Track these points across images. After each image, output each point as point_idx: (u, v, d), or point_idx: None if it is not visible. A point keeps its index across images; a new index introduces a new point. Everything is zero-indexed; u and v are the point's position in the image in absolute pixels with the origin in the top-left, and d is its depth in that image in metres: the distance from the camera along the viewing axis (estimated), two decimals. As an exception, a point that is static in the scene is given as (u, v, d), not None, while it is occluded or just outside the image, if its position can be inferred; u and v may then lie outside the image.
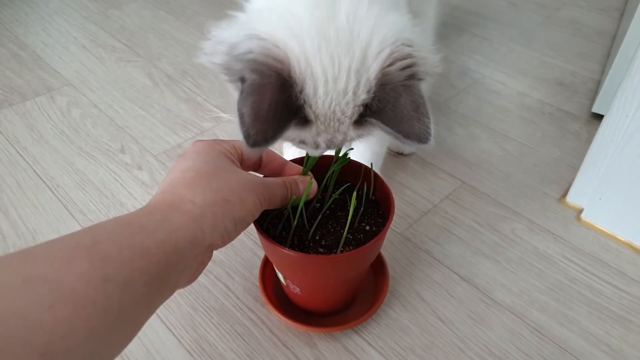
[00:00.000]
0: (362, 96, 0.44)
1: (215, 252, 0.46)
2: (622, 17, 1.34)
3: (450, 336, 0.63)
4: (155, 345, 0.61)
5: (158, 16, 1.35)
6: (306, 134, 0.46)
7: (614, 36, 1.28)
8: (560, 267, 0.71)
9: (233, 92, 0.45)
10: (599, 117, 0.96)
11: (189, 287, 0.67)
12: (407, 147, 0.45)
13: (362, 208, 0.59)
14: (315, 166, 0.58)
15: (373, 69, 0.43)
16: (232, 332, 0.63)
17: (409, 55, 0.43)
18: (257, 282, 0.66)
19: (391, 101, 0.43)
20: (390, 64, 0.43)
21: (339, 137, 0.47)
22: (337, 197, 0.59)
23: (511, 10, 1.44)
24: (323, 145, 0.48)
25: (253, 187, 0.46)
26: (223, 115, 0.99)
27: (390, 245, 0.74)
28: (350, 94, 0.43)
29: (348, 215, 0.56)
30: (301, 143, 0.48)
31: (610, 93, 0.90)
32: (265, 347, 0.61)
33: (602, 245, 0.75)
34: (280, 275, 0.60)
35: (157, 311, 0.64)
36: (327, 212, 0.58)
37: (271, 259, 0.59)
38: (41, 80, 1.08)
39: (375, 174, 0.59)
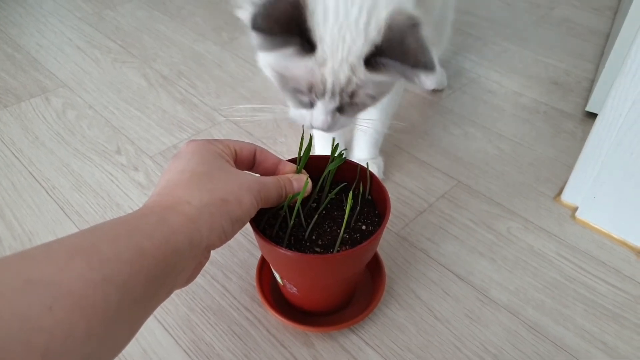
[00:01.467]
0: (373, 33, 0.49)
1: (212, 253, 0.46)
2: (616, 16, 1.35)
3: (446, 334, 0.63)
4: (152, 346, 0.61)
5: (153, 17, 1.35)
6: (312, 63, 0.49)
7: (608, 35, 1.29)
8: (555, 265, 0.72)
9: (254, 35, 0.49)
10: (593, 116, 0.97)
11: (185, 287, 0.67)
12: (416, 83, 0.49)
13: (358, 208, 0.59)
14: (311, 166, 0.58)
15: (383, 13, 0.49)
16: (229, 332, 0.63)
17: (413, 14, 0.49)
18: (254, 282, 0.66)
19: (398, 40, 0.48)
20: (398, 14, 0.49)
21: (346, 69, 0.50)
22: (333, 196, 0.59)
23: (506, 9, 1.44)
24: (329, 82, 0.50)
25: (249, 185, 0.46)
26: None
27: (386, 245, 0.74)
28: (361, 26, 0.48)
29: (344, 215, 0.56)
30: (310, 90, 0.51)
31: (604, 92, 0.91)
32: (262, 347, 0.61)
33: (597, 244, 0.75)
34: (277, 275, 0.60)
35: (154, 312, 0.64)
36: (324, 212, 0.58)
37: (268, 259, 0.59)
38: (36, 81, 1.08)
39: (371, 174, 0.60)
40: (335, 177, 0.61)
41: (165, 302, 0.64)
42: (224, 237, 0.44)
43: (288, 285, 0.60)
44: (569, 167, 0.81)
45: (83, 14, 1.35)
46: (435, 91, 1.08)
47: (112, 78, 1.10)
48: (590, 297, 0.68)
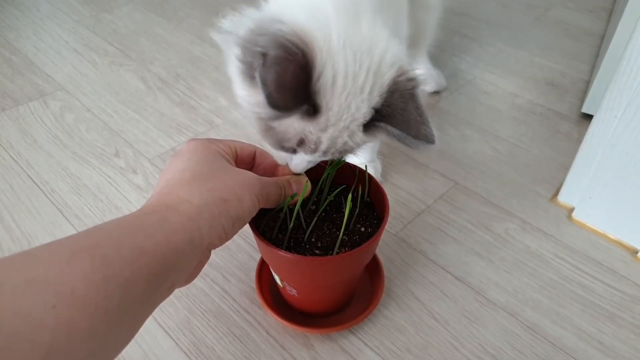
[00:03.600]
0: (376, 98, 0.47)
1: (211, 256, 0.46)
2: (610, 17, 1.36)
3: (445, 335, 0.64)
4: (153, 349, 0.61)
5: (150, 19, 1.35)
6: (312, 126, 0.47)
7: (603, 37, 1.30)
8: (552, 266, 0.72)
9: (236, 70, 0.47)
10: (588, 117, 0.97)
11: (185, 290, 0.68)
12: (413, 148, 0.47)
13: (357, 210, 0.59)
14: (310, 169, 0.58)
15: (387, 76, 0.47)
16: (230, 334, 0.63)
17: (414, 73, 0.48)
18: (254, 285, 0.67)
19: (400, 106, 0.47)
20: (400, 75, 0.47)
21: (345, 136, 0.48)
22: (332, 199, 0.60)
23: (501, 11, 1.45)
24: (324, 144, 0.48)
25: (250, 184, 0.47)
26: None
27: (385, 246, 0.74)
28: (366, 93, 0.46)
29: (343, 217, 0.56)
30: (299, 145, 0.48)
31: (599, 93, 0.91)
32: (262, 348, 0.62)
33: (593, 244, 0.76)
34: (276, 277, 0.61)
35: (155, 315, 0.65)
36: (323, 214, 0.59)
37: (268, 261, 0.59)
38: (34, 85, 1.08)
39: (370, 176, 0.60)
40: (334, 179, 0.61)
41: (165, 305, 0.65)
42: (225, 236, 0.44)
43: (288, 287, 0.60)
44: (566, 168, 0.81)
45: (80, 17, 1.35)
46: (435, 93, 1.08)
47: (109, 81, 1.10)
48: (587, 297, 0.68)
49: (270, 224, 0.57)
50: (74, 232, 0.76)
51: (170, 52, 1.21)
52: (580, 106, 1.03)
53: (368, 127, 0.48)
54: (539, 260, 0.73)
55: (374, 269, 0.68)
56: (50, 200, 0.81)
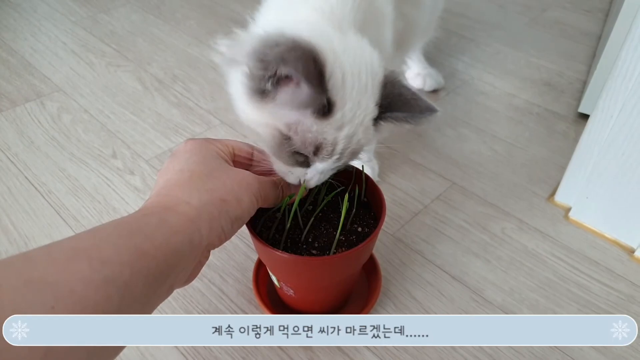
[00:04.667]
0: (377, 94, 0.50)
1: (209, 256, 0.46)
2: (607, 18, 1.36)
3: (442, 335, 0.64)
4: (149, 349, 0.61)
5: (147, 20, 1.35)
6: (328, 126, 0.48)
7: (599, 37, 1.30)
8: (549, 265, 0.73)
9: (241, 88, 0.49)
10: (585, 117, 0.97)
11: (182, 290, 0.68)
12: (422, 123, 0.52)
13: (354, 210, 0.60)
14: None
15: (379, 74, 0.51)
16: (227, 334, 0.63)
17: (394, 69, 0.53)
18: (251, 285, 0.67)
19: (396, 94, 0.51)
20: (389, 73, 0.52)
21: (360, 132, 0.50)
22: (329, 199, 0.60)
23: (498, 12, 1.45)
24: (341, 145, 0.49)
25: (248, 185, 0.47)
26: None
27: (382, 246, 0.74)
28: (369, 90, 0.50)
29: (340, 217, 0.56)
30: (316, 151, 0.49)
31: (596, 93, 0.91)
32: (259, 349, 0.62)
33: (590, 243, 0.76)
34: (273, 278, 0.61)
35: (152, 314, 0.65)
36: (320, 214, 0.59)
37: (265, 261, 0.59)
38: (31, 86, 1.08)
39: (366, 176, 0.60)
40: (331, 180, 0.61)
41: (162, 306, 0.65)
42: (224, 236, 0.44)
43: (285, 287, 0.60)
44: (562, 168, 0.82)
45: (77, 18, 1.35)
46: (433, 92, 1.09)
47: (107, 82, 1.10)
48: (583, 297, 0.69)
49: (267, 224, 0.57)
50: (72, 233, 0.76)
51: (168, 53, 1.21)
52: (577, 106, 1.04)
53: (375, 122, 0.52)
54: (535, 260, 0.73)
55: (371, 269, 0.68)
56: (47, 201, 0.81)
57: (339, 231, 0.55)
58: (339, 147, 0.49)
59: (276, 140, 0.50)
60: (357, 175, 0.61)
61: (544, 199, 0.84)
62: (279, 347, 0.62)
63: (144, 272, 0.36)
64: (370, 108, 0.50)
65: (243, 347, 0.62)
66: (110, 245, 0.36)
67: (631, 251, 0.75)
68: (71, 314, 0.31)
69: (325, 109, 0.47)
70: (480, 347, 0.62)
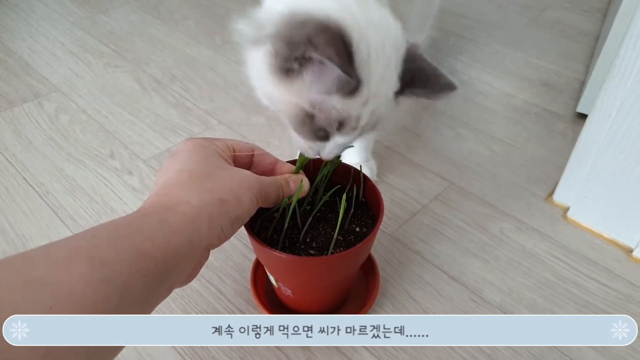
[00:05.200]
0: (399, 68, 0.51)
1: (207, 256, 0.46)
2: (605, 17, 1.36)
3: (440, 335, 0.63)
4: (147, 349, 0.61)
5: (146, 21, 1.35)
6: (354, 103, 0.49)
7: (598, 37, 1.30)
8: (547, 265, 0.73)
9: (265, 68, 0.49)
10: (583, 117, 0.97)
11: (180, 291, 0.68)
12: (440, 99, 0.53)
13: (352, 210, 0.59)
14: (307, 169, 0.58)
15: (402, 48, 0.51)
16: (225, 335, 0.63)
17: (417, 42, 0.53)
18: (249, 285, 0.67)
19: (417, 69, 0.52)
20: (410, 46, 0.52)
21: (382, 106, 0.51)
22: (327, 199, 0.60)
23: (497, 12, 1.45)
24: (364, 119, 0.50)
25: (248, 184, 0.46)
26: None
27: (380, 246, 0.74)
28: (393, 64, 0.50)
29: (338, 217, 0.56)
30: (339, 127, 0.50)
31: (594, 93, 0.91)
32: (257, 349, 0.62)
33: (588, 243, 0.76)
34: (271, 278, 0.61)
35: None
36: (318, 214, 0.59)
37: (262, 261, 0.59)
38: (29, 86, 1.08)
39: (365, 176, 0.60)
40: (329, 180, 0.61)
41: (160, 307, 0.64)
42: (224, 236, 0.44)
43: (283, 288, 0.60)
44: (560, 168, 0.82)
45: (75, 18, 1.35)
46: None
47: (105, 82, 1.10)
48: (582, 297, 0.69)
49: (265, 225, 0.57)
50: (70, 233, 0.75)
51: (166, 53, 1.21)
52: (576, 106, 1.04)
53: (395, 95, 0.53)
54: (534, 260, 0.73)
55: (369, 269, 0.68)
56: (45, 202, 0.81)
57: (336, 231, 0.55)
58: (362, 122, 0.51)
59: (299, 118, 0.51)
60: (355, 175, 0.61)
61: (542, 199, 0.84)
62: (277, 347, 0.62)
63: (143, 271, 0.36)
64: (393, 82, 0.51)
65: (240, 347, 0.62)
66: (110, 245, 0.36)
67: (629, 251, 0.75)
68: (70, 314, 0.31)
69: (351, 84, 0.47)
70: (478, 347, 0.62)
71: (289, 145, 0.93)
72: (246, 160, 0.54)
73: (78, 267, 0.33)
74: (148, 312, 0.39)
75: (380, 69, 0.49)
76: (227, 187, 0.45)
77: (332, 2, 0.48)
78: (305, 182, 0.55)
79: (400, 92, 0.52)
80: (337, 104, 0.48)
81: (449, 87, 0.51)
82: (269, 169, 0.56)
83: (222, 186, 0.44)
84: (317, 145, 0.53)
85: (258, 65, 0.50)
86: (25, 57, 1.18)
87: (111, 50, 1.21)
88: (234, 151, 0.51)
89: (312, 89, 0.48)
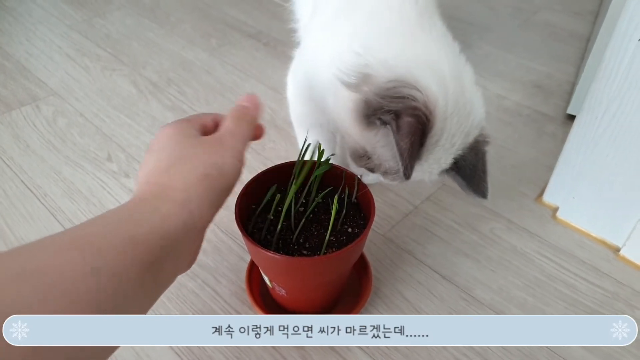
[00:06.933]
0: (459, 152, 0.56)
1: (202, 257, 0.47)
2: (596, 20, 1.38)
3: (432, 333, 0.65)
4: (144, 349, 0.62)
5: (142, 24, 1.36)
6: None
7: (588, 39, 1.32)
8: (537, 265, 0.74)
9: (351, 105, 0.55)
10: (573, 119, 0.99)
11: (176, 291, 0.69)
12: (467, 195, 0.60)
13: (344, 211, 0.61)
14: (301, 171, 0.59)
15: (472, 135, 0.56)
16: (221, 334, 0.64)
17: (489, 135, 0.59)
18: (244, 286, 0.68)
19: (472, 162, 0.57)
20: (479, 136, 0.57)
21: (426, 177, 0.58)
22: (320, 200, 0.61)
23: (489, 14, 1.47)
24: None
25: (222, 146, 0.45)
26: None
27: (373, 247, 0.76)
28: (455, 148, 0.55)
29: (330, 218, 0.58)
30: (384, 173, 0.58)
31: (583, 95, 0.93)
32: (252, 348, 0.63)
33: (577, 243, 0.78)
34: (266, 278, 0.62)
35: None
36: (311, 215, 0.60)
37: (257, 262, 0.60)
38: (26, 90, 1.09)
39: (357, 178, 0.61)
40: (322, 181, 0.62)
41: (157, 307, 0.66)
42: (215, 210, 0.44)
43: (277, 288, 0.61)
44: (550, 169, 0.83)
45: (72, 22, 1.36)
46: None
47: (102, 85, 1.11)
48: (570, 295, 0.70)
49: (259, 226, 0.59)
50: (67, 235, 0.76)
51: (162, 56, 1.22)
52: (566, 107, 1.05)
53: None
54: (523, 259, 0.75)
55: (362, 269, 0.69)
56: (43, 204, 0.82)
57: (329, 232, 0.56)
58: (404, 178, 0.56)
59: (358, 153, 0.59)
60: (347, 176, 0.62)
61: (532, 199, 0.85)
62: (272, 346, 0.63)
63: (138, 259, 0.36)
64: (446, 162, 0.56)
65: (236, 346, 0.63)
66: (102, 235, 0.36)
67: (617, 250, 0.76)
68: (63, 303, 0.31)
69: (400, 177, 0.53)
70: (470, 345, 0.63)
71: (284, 147, 0.94)
72: (211, 127, 0.51)
73: (71, 257, 0.33)
74: (150, 302, 0.39)
75: (441, 153, 0.54)
76: (206, 160, 0.44)
77: (434, 77, 0.53)
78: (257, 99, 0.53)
79: (444, 171, 0.57)
80: (391, 161, 0.55)
81: (482, 195, 0.57)
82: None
83: (200, 162, 0.43)
84: (362, 170, 0.62)
85: (344, 102, 0.56)
86: (23, 60, 1.19)
87: (108, 54, 1.22)
88: (205, 126, 0.49)
89: (379, 145, 0.55)
